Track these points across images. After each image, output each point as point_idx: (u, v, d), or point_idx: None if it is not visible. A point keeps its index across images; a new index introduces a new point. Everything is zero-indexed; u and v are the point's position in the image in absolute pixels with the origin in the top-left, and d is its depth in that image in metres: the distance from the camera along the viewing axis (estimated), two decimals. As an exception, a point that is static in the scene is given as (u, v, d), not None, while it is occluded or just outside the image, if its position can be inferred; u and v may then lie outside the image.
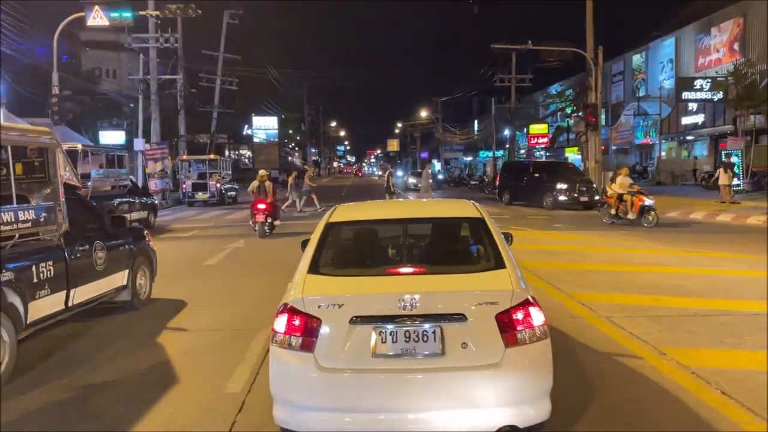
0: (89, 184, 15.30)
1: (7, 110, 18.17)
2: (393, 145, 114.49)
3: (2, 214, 5.19)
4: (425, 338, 3.32)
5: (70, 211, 6.13)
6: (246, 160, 66.17)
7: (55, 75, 23.80)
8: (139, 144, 28.01)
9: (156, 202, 21.65)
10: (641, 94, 41.07)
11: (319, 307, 3.39)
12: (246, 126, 67.81)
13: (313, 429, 3.35)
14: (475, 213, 4.44)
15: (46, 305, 5.68)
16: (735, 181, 25.12)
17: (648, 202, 15.66)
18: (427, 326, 3.33)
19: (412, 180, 44.65)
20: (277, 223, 15.92)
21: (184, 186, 28.47)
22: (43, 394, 4.82)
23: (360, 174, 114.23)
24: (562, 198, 22.57)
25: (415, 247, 4.73)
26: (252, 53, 49.22)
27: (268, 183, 15.75)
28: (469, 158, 75.82)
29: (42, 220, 5.72)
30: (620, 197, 16.17)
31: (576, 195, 22.42)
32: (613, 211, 16.34)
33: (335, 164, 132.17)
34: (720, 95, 29.12)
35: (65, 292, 5.96)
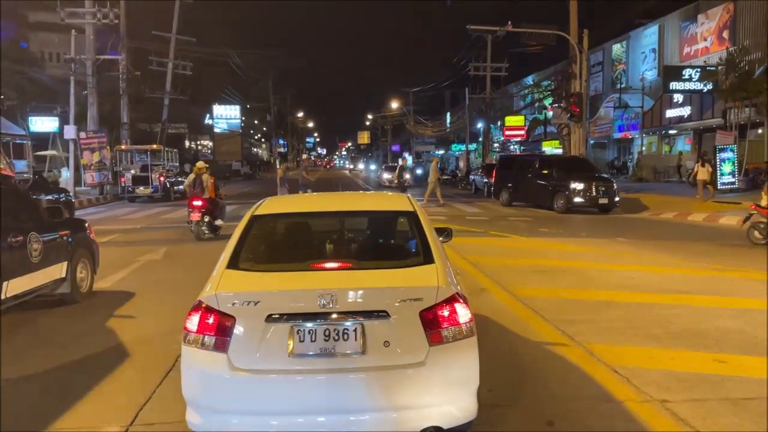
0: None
1: None
2: (364, 138, 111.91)
3: None
4: (346, 337, 3.17)
5: (2, 201, 6.14)
6: (207, 151, 62.65)
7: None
8: (70, 132, 24.81)
9: (72, 198, 18.58)
10: (621, 85, 39.01)
11: (233, 304, 3.23)
12: (208, 116, 64.38)
13: None
14: (407, 207, 4.29)
15: None
16: (731, 179, 23.09)
17: None
18: (348, 324, 3.19)
19: (386, 175, 38.87)
20: (219, 223, 13.46)
21: (122, 179, 25.31)
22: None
23: (329, 167, 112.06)
24: (577, 199, 19.16)
25: (345, 241, 4.59)
26: (214, 37, 45.76)
27: (206, 176, 13.48)
28: (441, 152, 73.45)
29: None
30: None
31: (594, 195, 19.10)
32: None
33: (304, 156, 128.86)
34: (710, 86, 27.06)
35: None
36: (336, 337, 3.16)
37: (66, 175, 25.95)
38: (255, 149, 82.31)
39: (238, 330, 3.17)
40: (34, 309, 6.93)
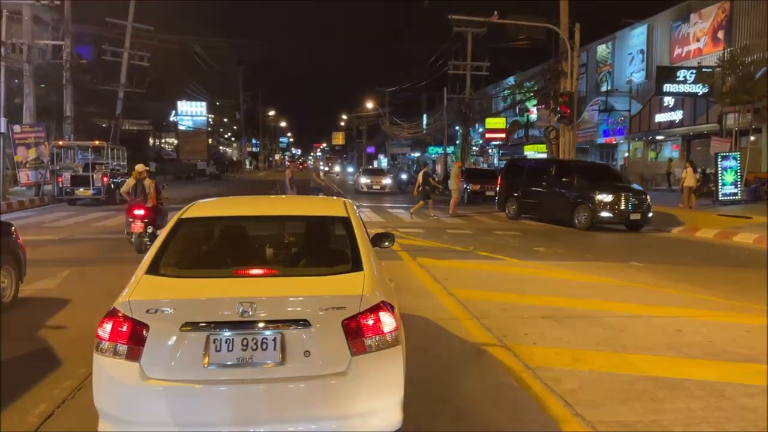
0: None
1: None
2: (338, 139, 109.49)
3: None
4: (264, 346, 3.07)
5: None
6: (170, 149, 59.43)
7: None
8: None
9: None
10: (606, 88, 37.18)
11: (148, 311, 3.10)
12: (174, 112, 61.16)
13: None
14: (341, 212, 4.20)
15: None
16: (733, 189, 21.21)
17: None
18: (267, 333, 3.09)
19: (364, 180, 33.25)
20: (160, 232, 10.96)
21: (60, 180, 22.41)
22: None
23: (302, 167, 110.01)
24: (604, 213, 15.94)
25: (275, 247, 4.40)
26: (182, 31, 42.56)
27: (148, 181, 11.97)
28: (417, 154, 71.24)
29: None
30: None
31: (624, 209, 15.93)
32: None
33: (277, 157, 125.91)
34: (706, 89, 25.24)
35: None
36: (254, 347, 3.07)
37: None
38: (224, 149, 79.00)
39: (151, 338, 3.06)
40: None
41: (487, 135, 44.75)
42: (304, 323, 3.08)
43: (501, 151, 50.56)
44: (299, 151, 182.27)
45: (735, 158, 21.17)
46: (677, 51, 31.53)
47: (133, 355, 3.03)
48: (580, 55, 24.34)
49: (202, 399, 3.02)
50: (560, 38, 22.58)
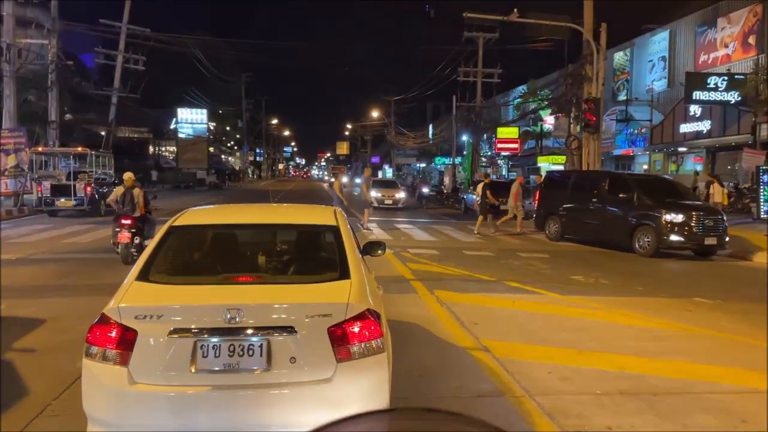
0: None
1: None
2: (343, 148, 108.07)
3: None
4: (251, 352, 3.10)
5: None
6: (170, 158, 57.77)
7: None
8: (-27, 129, 20.16)
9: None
10: (624, 96, 35.30)
11: (136, 317, 3.14)
12: (174, 120, 59.58)
13: None
14: (330, 221, 4.23)
15: None
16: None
17: None
18: (254, 339, 3.12)
19: (374, 193, 26.60)
20: (148, 243, 9.46)
21: (39, 189, 20.61)
22: None
23: (306, 177, 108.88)
24: (674, 237, 13.41)
25: (265, 255, 4.37)
26: (184, 35, 40.85)
27: (137, 190, 11.68)
28: (423, 165, 69.33)
29: None
30: None
31: (697, 232, 13.42)
32: None
33: (281, 166, 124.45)
34: (738, 97, 23.35)
35: None
36: (241, 353, 3.09)
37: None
38: (227, 157, 77.28)
39: (140, 344, 3.09)
40: None
41: (499, 145, 42.79)
42: (290, 330, 3.13)
43: (511, 162, 48.66)
44: (304, 161, 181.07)
45: (777, 172, 19.21)
46: (702, 57, 29.67)
47: (122, 360, 3.07)
48: (606, 58, 22.43)
49: (189, 404, 3.06)
50: (584, 39, 20.72)
